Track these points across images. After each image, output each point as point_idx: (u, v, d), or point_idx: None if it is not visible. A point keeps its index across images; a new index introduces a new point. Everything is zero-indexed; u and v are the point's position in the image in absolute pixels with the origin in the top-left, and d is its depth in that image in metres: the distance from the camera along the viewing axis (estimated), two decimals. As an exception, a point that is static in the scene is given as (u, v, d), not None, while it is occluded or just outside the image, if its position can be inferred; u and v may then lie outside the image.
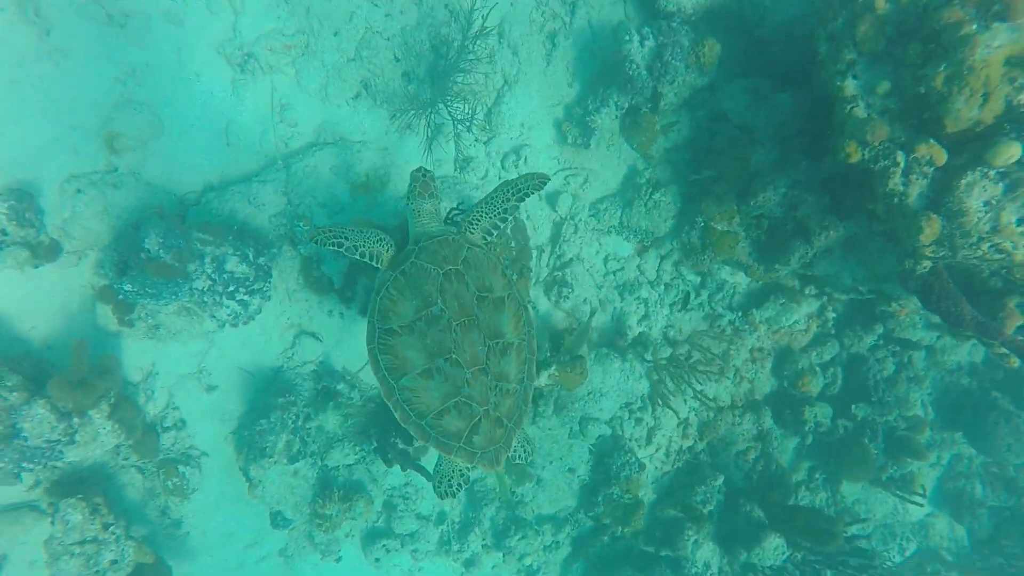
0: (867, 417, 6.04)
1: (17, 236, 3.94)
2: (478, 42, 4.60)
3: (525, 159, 4.97)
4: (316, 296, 4.72)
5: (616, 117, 5.02)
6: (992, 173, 3.62)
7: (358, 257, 3.53)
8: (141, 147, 4.39)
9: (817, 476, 6.22)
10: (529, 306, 3.66)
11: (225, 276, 4.06)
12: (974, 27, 3.56)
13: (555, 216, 5.19)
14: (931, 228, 3.76)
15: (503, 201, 3.70)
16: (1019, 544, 6.68)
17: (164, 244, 3.76)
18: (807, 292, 5.62)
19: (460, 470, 3.55)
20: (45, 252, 4.10)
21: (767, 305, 5.65)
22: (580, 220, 5.18)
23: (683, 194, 5.24)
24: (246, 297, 4.21)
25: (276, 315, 4.72)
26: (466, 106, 4.72)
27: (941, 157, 3.75)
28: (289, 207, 4.59)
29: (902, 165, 3.84)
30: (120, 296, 3.87)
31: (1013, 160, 3.51)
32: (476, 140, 4.94)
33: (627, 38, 4.65)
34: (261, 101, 4.67)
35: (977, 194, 3.66)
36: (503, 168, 5.01)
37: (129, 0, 4.31)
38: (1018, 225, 3.64)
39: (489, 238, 3.73)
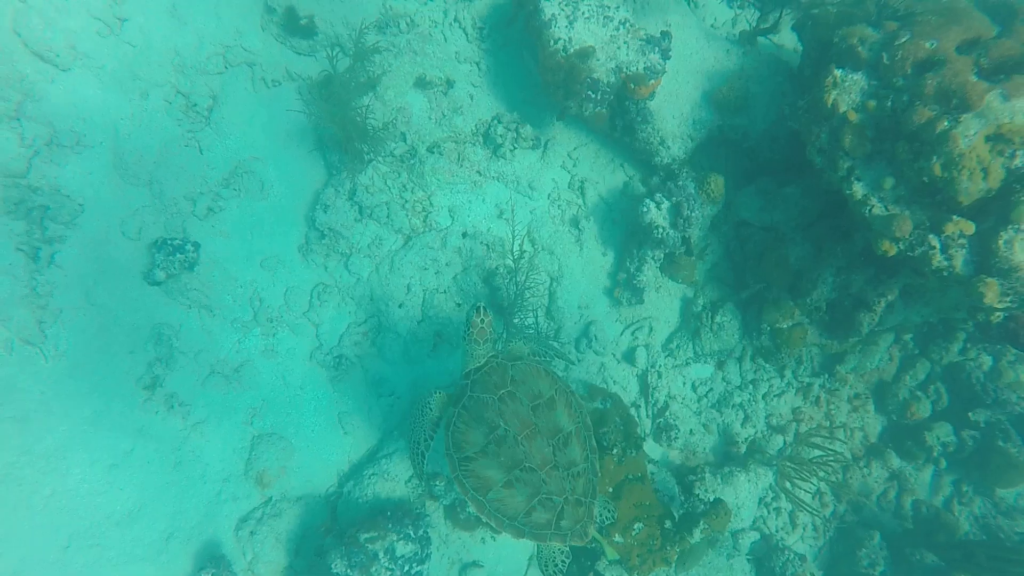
0: (990, 419, 6.16)
1: (222, 601, 4.45)
2: (521, 262, 5.15)
3: (595, 337, 5.43)
4: (467, 532, 5.13)
5: (656, 268, 5.49)
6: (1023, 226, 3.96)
7: (432, 440, 4.11)
8: (282, 473, 4.95)
9: (965, 489, 6.29)
10: (576, 392, 4.19)
11: (399, 560, 4.50)
12: (947, 123, 3.98)
13: (636, 371, 5.60)
14: (991, 291, 4.07)
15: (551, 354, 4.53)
16: None
17: (350, 564, 4.24)
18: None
19: (560, 549, 4.09)
20: (242, 599, 4.61)
21: (848, 358, 5.94)
22: (660, 365, 5.58)
23: (739, 305, 5.63)
24: (419, 567, 4.64)
25: (437, 559, 5.13)
26: (531, 320, 5.22)
27: (969, 228, 4.09)
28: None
29: (938, 246, 4.20)
30: (326, 622, 4.33)
31: (1037, 217, 3.86)
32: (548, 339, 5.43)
33: (645, 209, 5.16)
34: (358, 387, 5.24)
35: (1019, 248, 3.99)
36: (579, 352, 5.47)
37: (235, 355, 4.97)
38: (1068, 261, 3.94)
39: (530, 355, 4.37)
